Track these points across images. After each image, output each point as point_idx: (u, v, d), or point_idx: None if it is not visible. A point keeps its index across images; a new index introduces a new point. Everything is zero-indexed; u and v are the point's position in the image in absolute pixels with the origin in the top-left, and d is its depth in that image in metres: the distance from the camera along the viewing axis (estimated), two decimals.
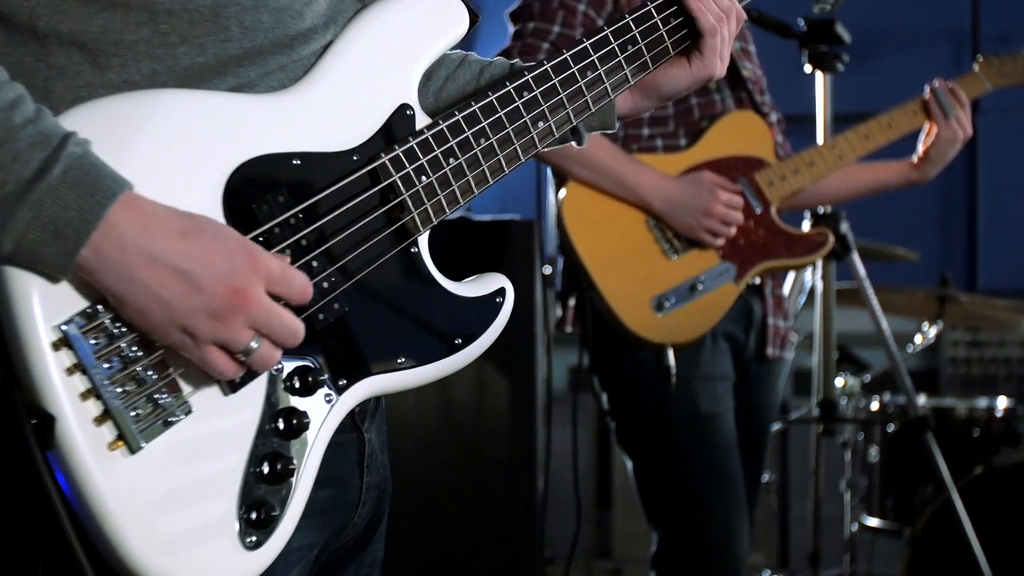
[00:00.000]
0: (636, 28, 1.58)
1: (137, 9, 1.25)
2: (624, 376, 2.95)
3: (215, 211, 1.24)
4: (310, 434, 1.30)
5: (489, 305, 1.46)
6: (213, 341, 1.18)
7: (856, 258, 3.47)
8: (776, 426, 3.70)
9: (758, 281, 3.03)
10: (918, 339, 4.36)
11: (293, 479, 1.28)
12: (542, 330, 3.67)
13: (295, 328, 1.23)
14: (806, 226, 3.27)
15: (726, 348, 2.96)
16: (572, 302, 2.97)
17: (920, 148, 3.16)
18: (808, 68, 3.47)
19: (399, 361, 1.38)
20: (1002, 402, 4.17)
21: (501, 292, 1.47)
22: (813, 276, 3.85)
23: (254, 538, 1.25)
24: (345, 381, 1.34)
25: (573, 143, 1.61)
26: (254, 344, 1.20)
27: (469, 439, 3.66)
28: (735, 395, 3.01)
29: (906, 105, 3.12)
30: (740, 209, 2.90)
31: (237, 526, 1.24)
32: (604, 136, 2.89)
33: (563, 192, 2.91)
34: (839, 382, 4.28)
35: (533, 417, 3.65)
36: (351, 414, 1.39)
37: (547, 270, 3.90)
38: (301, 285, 1.24)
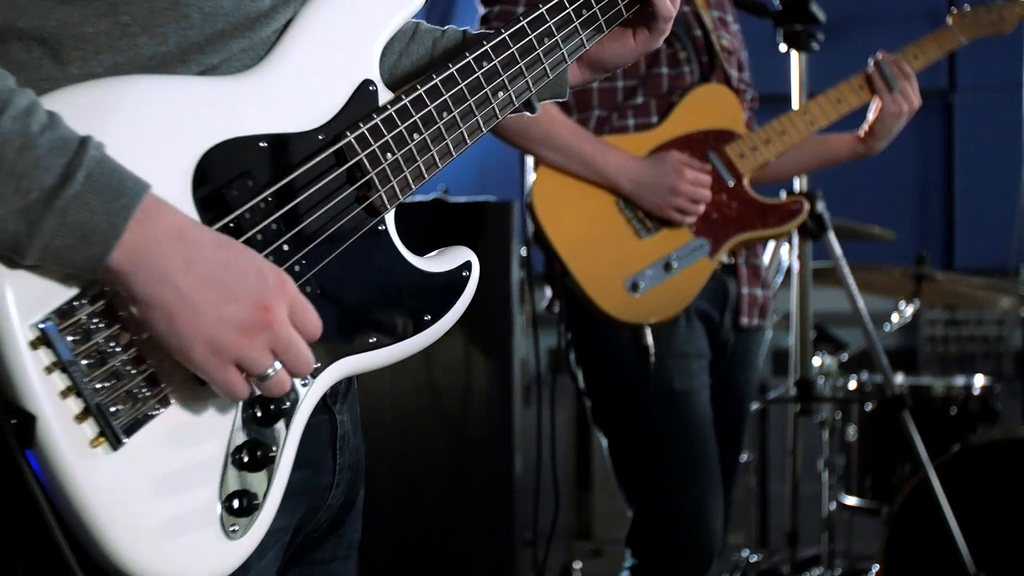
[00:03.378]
0: None
1: (96, 1, 1.23)
2: (600, 355, 2.95)
3: (186, 199, 1.23)
4: (287, 419, 1.30)
5: (455, 279, 1.45)
6: (235, 359, 1.17)
7: (832, 237, 3.47)
8: (754, 406, 3.70)
9: (732, 260, 3.02)
10: (895, 318, 4.36)
11: (272, 466, 1.27)
12: (519, 311, 3.67)
13: (310, 361, 1.22)
14: None
15: (701, 327, 2.96)
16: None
17: (868, 119, 3.13)
18: (783, 47, 3.47)
19: (370, 341, 1.37)
20: (979, 380, 4.17)
21: (467, 266, 1.46)
22: (790, 255, 3.86)
23: (236, 527, 1.25)
24: (319, 364, 1.32)
25: (526, 113, 1.60)
26: (271, 371, 1.19)
27: (447, 420, 3.66)
28: (712, 373, 3.00)
29: (851, 79, 3.08)
30: (707, 186, 2.90)
31: (219, 516, 1.23)
32: (571, 118, 2.90)
33: (533, 177, 2.90)
34: (816, 361, 4.28)
35: (511, 398, 3.65)
36: (323, 396, 1.38)
37: (524, 251, 3.89)
38: (316, 322, 1.23)
